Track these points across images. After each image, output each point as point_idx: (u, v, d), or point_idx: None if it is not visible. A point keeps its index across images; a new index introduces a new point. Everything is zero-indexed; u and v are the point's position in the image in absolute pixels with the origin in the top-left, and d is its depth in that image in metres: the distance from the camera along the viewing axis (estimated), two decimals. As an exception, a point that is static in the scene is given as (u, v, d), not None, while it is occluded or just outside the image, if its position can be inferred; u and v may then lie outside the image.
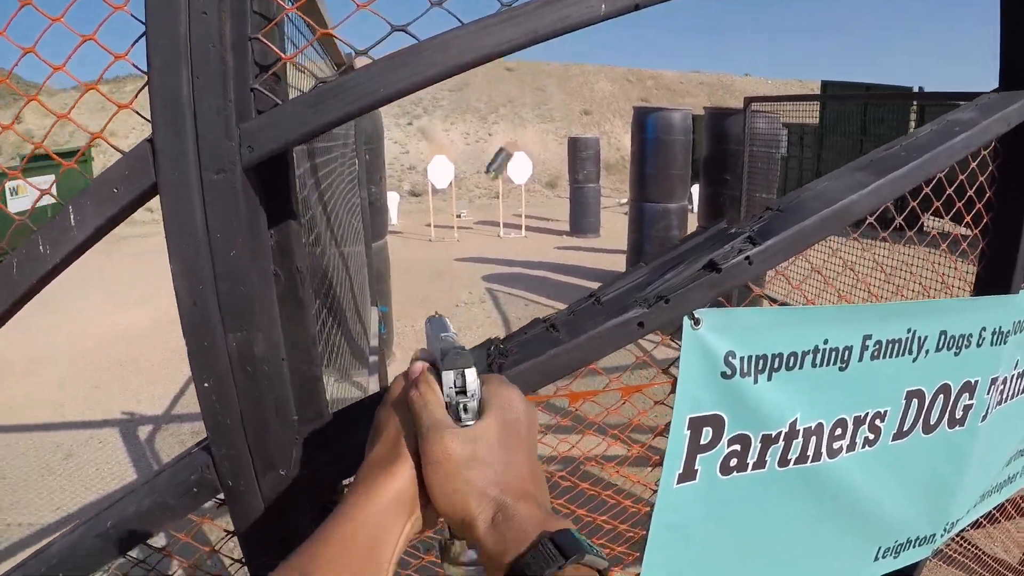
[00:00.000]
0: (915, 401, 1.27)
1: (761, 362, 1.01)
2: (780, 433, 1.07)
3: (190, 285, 0.70)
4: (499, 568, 0.47)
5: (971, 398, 1.36)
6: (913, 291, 2.89)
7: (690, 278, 0.89)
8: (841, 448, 1.21)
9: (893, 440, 1.28)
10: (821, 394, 1.11)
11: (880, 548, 1.41)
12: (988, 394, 1.38)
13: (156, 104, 0.66)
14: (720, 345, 0.97)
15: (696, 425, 1.01)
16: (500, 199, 12.41)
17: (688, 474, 1.04)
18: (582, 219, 11.98)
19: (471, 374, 0.55)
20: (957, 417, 1.36)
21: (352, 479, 0.58)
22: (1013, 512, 2.88)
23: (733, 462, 1.05)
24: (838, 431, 1.18)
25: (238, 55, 0.67)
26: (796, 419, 1.08)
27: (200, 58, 0.65)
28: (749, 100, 4.83)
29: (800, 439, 1.10)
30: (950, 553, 2.78)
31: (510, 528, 0.48)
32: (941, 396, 1.31)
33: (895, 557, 1.44)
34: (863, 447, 1.24)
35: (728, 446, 1.04)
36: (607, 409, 0.95)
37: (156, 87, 0.66)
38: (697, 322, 0.94)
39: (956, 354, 1.29)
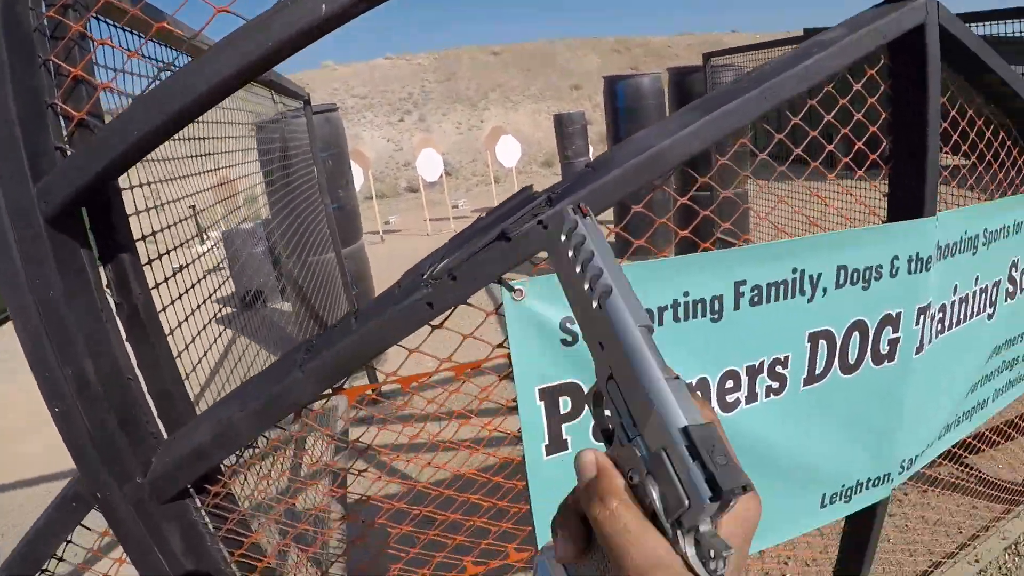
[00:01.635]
0: (823, 343, 1.22)
1: None
2: None
3: (23, 325, 0.79)
4: None
5: (896, 331, 1.30)
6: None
7: (479, 251, 0.87)
8: (739, 400, 1.17)
9: (805, 385, 1.23)
10: (695, 348, 1.08)
11: (825, 495, 1.37)
12: (918, 325, 1.32)
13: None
14: (552, 313, 0.95)
15: (549, 395, 1.00)
16: (493, 185, 12.44)
17: (557, 444, 1.03)
18: (576, 194, 11.93)
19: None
20: (883, 352, 1.30)
21: None
22: (1014, 433, 2.89)
23: None
24: (729, 383, 1.15)
25: (30, 126, 0.75)
26: None
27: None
28: (707, 56, 4.81)
29: None
30: (953, 480, 2.79)
31: None
32: (856, 333, 1.26)
33: (846, 501, 1.40)
34: (767, 396, 1.20)
35: None
36: (447, 391, 1.00)
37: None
38: (518, 292, 0.92)
39: (865, 288, 1.23)
